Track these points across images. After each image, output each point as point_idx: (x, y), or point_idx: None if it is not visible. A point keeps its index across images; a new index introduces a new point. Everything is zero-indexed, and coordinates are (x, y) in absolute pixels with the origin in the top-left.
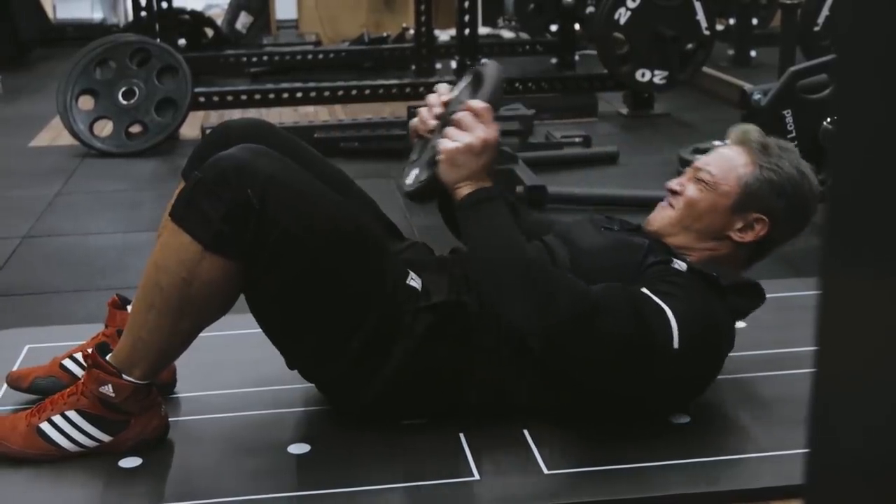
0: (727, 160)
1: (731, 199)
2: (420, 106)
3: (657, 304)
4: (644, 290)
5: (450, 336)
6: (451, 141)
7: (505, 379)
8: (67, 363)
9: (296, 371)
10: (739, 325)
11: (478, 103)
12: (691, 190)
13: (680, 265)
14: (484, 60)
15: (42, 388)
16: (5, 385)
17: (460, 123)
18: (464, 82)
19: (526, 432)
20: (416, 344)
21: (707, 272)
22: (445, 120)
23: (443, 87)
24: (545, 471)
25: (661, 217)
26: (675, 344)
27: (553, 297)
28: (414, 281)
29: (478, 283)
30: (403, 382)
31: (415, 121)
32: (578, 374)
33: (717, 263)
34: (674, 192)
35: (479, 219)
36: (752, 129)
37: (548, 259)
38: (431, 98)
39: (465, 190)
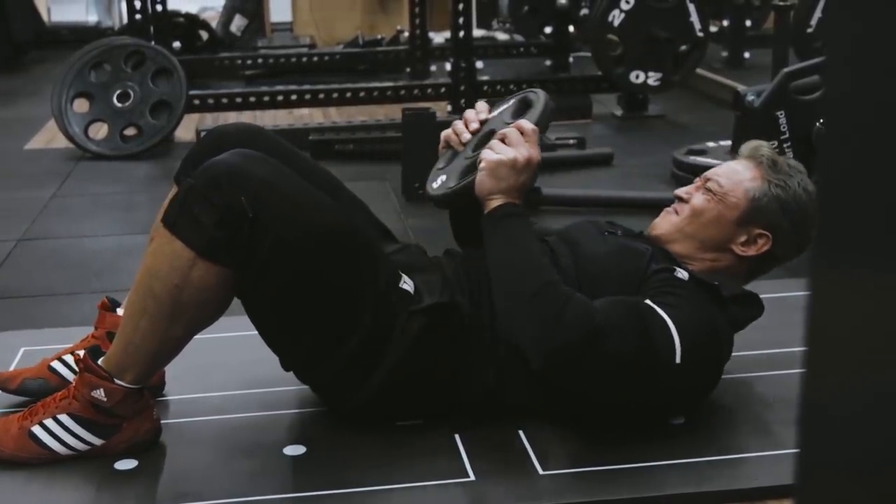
0: (737, 173)
1: (738, 212)
2: (413, 109)
3: (661, 316)
4: (648, 301)
5: (443, 337)
6: (496, 153)
7: (499, 379)
8: (56, 365)
9: (290, 373)
10: None
11: (528, 124)
12: (698, 199)
13: (682, 274)
14: (536, 89)
15: (30, 390)
16: None
17: (507, 139)
18: (505, 104)
19: (521, 433)
20: (410, 345)
21: (709, 282)
22: (484, 135)
23: (482, 105)
24: (540, 471)
25: (665, 223)
26: (678, 359)
27: (559, 318)
28: (406, 283)
29: (493, 292)
30: (398, 384)
31: (448, 131)
32: (580, 390)
33: (718, 275)
34: (681, 200)
35: (505, 231)
36: (764, 145)
37: (550, 261)
38: (470, 113)
39: (496, 202)
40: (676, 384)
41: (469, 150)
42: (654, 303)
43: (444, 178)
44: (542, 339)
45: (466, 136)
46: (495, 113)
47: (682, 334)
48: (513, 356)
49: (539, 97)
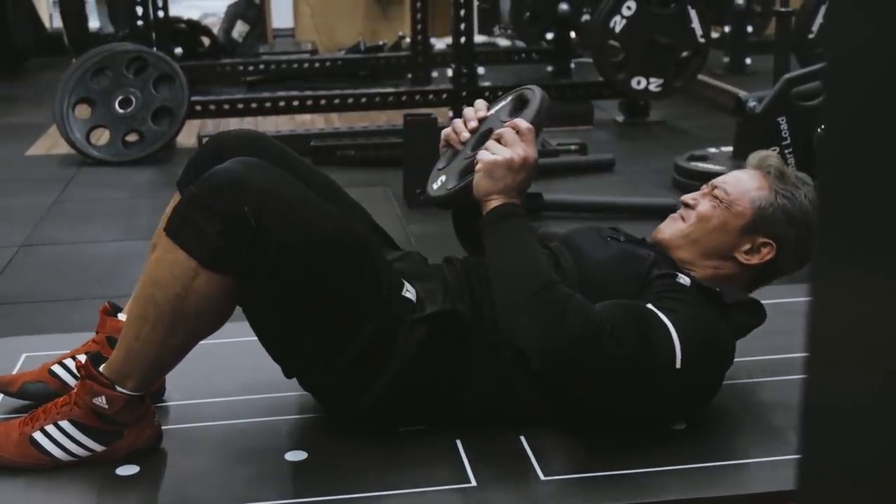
0: (744, 182)
1: (744, 220)
2: (415, 115)
3: (661, 321)
4: (649, 305)
5: (445, 346)
6: (492, 154)
7: (501, 385)
8: (57, 369)
9: (293, 379)
10: None
11: (523, 122)
12: (705, 205)
13: (684, 280)
14: (532, 86)
15: (30, 394)
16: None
17: (503, 138)
18: (503, 101)
19: (523, 439)
20: (412, 354)
21: (711, 287)
22: (482, 134)
23: (480, 103)
24: (542, 477)
25: (671, 228)
26: (678, 363)
27: (560, 318)
28: (409, 292)
29: (493, 291)
30: (399, 391)
31: (447, 130)
32: (579, 392)
33: (720, 282)
34: (687, 206)
35: (503, 232)
36: (773, 156)
37: (553, 266)
38: (468, 112)
39: (494, 202)
40: (677, 389)
41: (468, 150)
42: (656, 307)
43: (443, 178)
44: (543, 339)
45: (465, 134)
46: (493, 111)
47: (683, 339)
48: (514, 363)
49: (535, 94)
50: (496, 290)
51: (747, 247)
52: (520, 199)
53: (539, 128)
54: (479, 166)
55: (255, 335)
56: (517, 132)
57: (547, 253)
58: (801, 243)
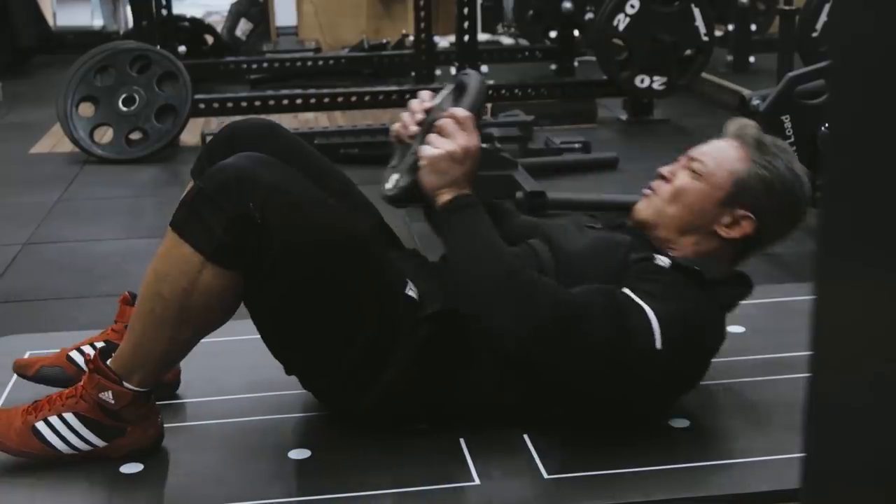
0: (721, 152)
1: (722, 193)
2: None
3: (638, 304)
4: (625, 290)
5: (446, 344)
6: (433, 147)
7: (502, 381)
8: (74, 355)
9: (294, 377)
10: (737, 329)
11: (460, 111)
12: (682, 178)
13: (663, 261)
14: (467, 70)
15: (48, 378)
16: (10, 384)
17: (442, 130)
18: (446, 90)
19: (526, 437)
20: (415, 353)
21: (689, 266)
22: (427, 126)
23: (425, 94)
24: (545, 475)
25: (648, 207)
26: (658, 345)
27: (531, 303)
28: (411, 290)
29: (457, 290)
30: (401, 390)
31: (396, 126)
32: (560, 379)
33: (702, 259)
34: (663, 178)
35: (458, 226)
36: (750, 125)
37: (533, 262)
38: (414, 104)
39: (444, 196)
40: (660, 371)
41: (416, 144)
42: (632, 290)
43: (396, 176)
44: (515, 325)
45: (413, 128)
46: (438, 101)
47: (662, 320)
48: (512, 361)
49: (471, 79)
50: (461, 285)
51: (727, 220)
52: (470, 187)
53: (478, 112)
54: (421, 162)
55: (258, 332)
56: (456, 121)
57: (525, 248)
58: (783, 214)
